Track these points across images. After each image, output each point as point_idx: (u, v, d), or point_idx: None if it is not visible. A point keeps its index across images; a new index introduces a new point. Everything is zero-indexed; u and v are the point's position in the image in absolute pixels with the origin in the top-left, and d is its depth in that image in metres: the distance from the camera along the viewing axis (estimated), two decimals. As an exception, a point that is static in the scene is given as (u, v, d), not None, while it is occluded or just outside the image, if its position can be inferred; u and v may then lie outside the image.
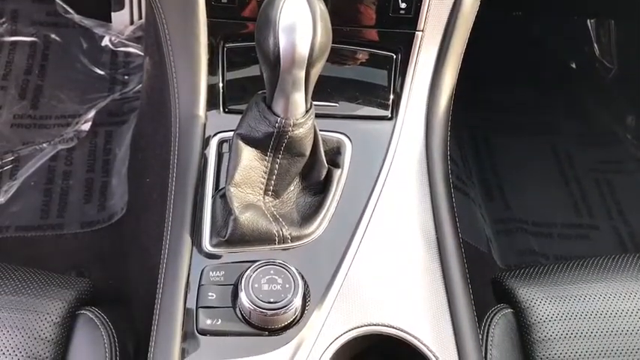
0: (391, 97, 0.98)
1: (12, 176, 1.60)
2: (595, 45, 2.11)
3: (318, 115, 0.84)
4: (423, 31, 0.95)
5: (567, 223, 1.72)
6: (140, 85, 1.78)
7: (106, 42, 1.92)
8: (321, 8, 0.74)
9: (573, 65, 2.13)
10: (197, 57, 0.92)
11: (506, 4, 2.02)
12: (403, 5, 0.93)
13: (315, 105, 0.83)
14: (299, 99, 0.77)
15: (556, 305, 0.95)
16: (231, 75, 0.95)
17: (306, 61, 0.73)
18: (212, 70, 0.94)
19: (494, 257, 1.58)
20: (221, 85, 0.95)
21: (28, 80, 1.83)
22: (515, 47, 2.06)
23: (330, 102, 0.97)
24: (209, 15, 0.91)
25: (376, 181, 0.91)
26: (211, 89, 0.94)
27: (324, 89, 0.93)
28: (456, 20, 0.96)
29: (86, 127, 1.73)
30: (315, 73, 0.77)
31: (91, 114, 1.75)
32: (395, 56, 0.97)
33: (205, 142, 0.91)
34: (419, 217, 0.91)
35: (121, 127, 1.76)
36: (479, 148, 1.86)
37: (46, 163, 1.64)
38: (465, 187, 1.67)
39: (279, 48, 0.72)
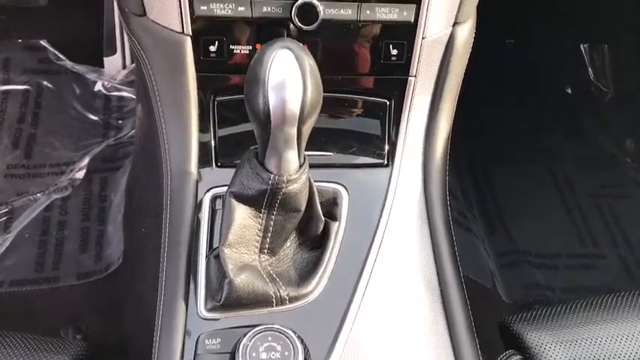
0: (386, 143, 0.96)
1: (6, 229, 1.58)
2: (589, 69, 2.10)
3: (312, 165, 0.82)
4: (415, 76, 0.93)
5: (572, 253, 1.70)
6: (134, 130, 1.77)
7: (98, 87, 1.92)
8: (310, 63, 0.72)
9: (569, 90, 2.12)
10: (187, 113, 0.90)
11: (498, 32, 2.01)
12: (394, 52, 0.91)
13: (309, 155, 0.81)
14: (292, 156, 0.75)
15: (567, 350, 0.92)
16: (223, 129, 0.93)
17: (297, 119, 0.72)
18: (203, 125, 0.92)
19: (499, 292, 1.55)
20: (213, 140, 0.93)
21: (21, 129, 1.82)
22: (509, 74, 2.05)
23: (324, 151, 0.95)
24: (198, 69, 0.89)
25: (375, 232, 0.88)
26: (203, 144, 0.92)
27: (318, 138, 0.91)
28: (449, 63, 0.94)
29: (80, 174, 1.71)
30: (308, 129, 0.75)
31: (86, 161, 1.73)
32: (388, 102, 0.96)
33: (198, 199, 0.89)
34: (421, 268, 0.88)
35: (116, 173, 1.74)
36: (478, 179, 1.84)
37: (41, 214, 1.62)
38: (466, 221, 1.65)
39: (269, 106, 0.71)
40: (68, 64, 1.93)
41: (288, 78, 0.70)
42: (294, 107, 0.71)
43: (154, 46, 0.90)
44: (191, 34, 0.87)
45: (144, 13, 0.87)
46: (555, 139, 1.98)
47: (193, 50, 0.88)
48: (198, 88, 0.91)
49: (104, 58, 1.92)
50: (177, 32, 0.87)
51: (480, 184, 1.84)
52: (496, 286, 1.56)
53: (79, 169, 1.72)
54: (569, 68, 2.13)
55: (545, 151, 1.94)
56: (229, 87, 0.92)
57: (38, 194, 1.65)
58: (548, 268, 1.64)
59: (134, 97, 1.87)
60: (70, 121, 1.85)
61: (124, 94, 1.92)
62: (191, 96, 0.90)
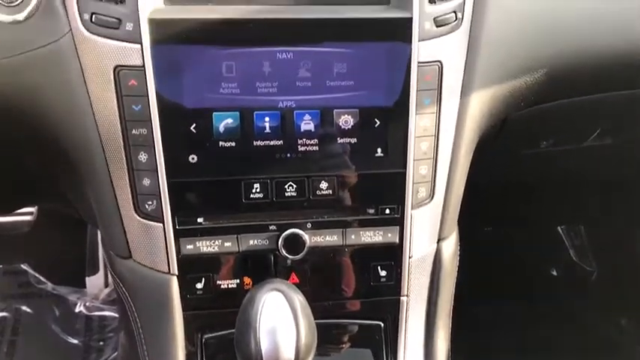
0: (385, 369, 0.92)
1: None
2: (570, 250, 2.12)
3: None
4: (407, 295, 0.92)
5: None
6: (116, 353, 1.69)
7: (80, 308, 1.87)
8: (300, 302, 0.71)
9: (554, 272, 2.12)
10: (174, 357, 0.86)
11: (475, 221, 2.05)
12: (383, 273, 0.91)
13: None
14: (289, 404, 0.71)
15: None
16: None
17: None
18: None
19: None
20: None
21: (-5, 360, 1.73)
22: (491, 263, 2.05)
23: None
24: (184, 308, 0.87)
25: None
26: None
27: None
28: (439, 278, 0.94)
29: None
30: (303, 372, 0.71)
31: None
32: (383, 324, 0.93)
33: None
34: None
35: (96, 402, 1.64)
36: (479, 377, 1.76)
37: None
38: None
39: (262, 354, 0.68)
40: (49, 286, 1.90)
41: (280, 323, 0.68)
42: (288, 354, 0.68)
43: (139, 286, 0.88)
44: (177, 273, 0.86)
45: (129, 256, 0.87)
46: (550, 326, 1.93)
47: (179, 289, 0.86)
48: (185, 328, 0.87)
49: (86, 278, 1.90)
50: (164, 272, 0.86)
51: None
52: None
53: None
54: (550, 251, 2.15)
55: (542, 340, 1.89)
56: (218, 323, 0.89)
57: None
58: None
59: (116, 315, 1.82)
60: (49, 347, 1.77)
61: (106, 313, 1.87)
62: (177, 338, 0.86)
